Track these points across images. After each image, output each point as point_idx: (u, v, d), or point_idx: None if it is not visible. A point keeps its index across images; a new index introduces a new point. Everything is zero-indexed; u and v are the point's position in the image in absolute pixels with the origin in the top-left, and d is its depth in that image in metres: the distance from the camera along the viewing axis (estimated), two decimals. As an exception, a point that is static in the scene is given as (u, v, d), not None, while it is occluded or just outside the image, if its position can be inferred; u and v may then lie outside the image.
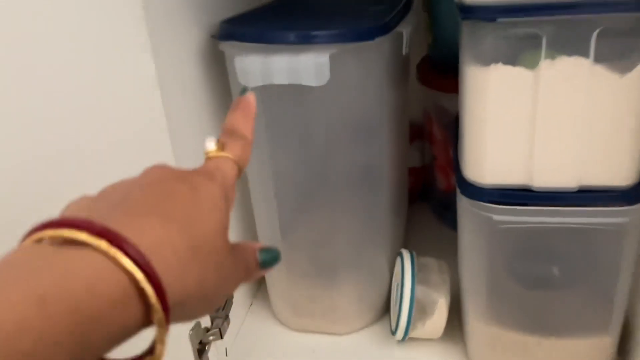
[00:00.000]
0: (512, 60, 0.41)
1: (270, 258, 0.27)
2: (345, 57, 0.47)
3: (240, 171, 0.27)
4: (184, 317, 0.22)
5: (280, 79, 0.47)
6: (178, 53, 0.48)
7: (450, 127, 0.70)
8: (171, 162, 0.44)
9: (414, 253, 0.58)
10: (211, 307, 0.23)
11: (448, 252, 0.59)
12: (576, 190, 0.43)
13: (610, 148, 0.42)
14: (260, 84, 0.48)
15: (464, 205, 0.47)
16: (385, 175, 0.58)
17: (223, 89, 0.55)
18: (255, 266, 0.26)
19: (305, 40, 0.46)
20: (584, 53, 0.39)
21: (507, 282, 0.49)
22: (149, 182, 0.23)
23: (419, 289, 0.55)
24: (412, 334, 0.56)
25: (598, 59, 0.39)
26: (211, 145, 0.27)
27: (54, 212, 0.22)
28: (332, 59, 0.46)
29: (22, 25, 0.33)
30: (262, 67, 0.47)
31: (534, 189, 0.44)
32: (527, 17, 0.39)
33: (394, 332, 0.56)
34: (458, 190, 0.48)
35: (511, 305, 0.50)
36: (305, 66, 0.46)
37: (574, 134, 0.42)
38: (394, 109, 0.57)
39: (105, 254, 0.18)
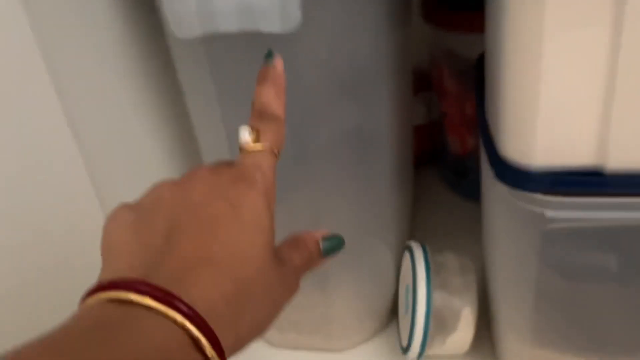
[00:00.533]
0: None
1: (334, 245, 0.28)
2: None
3: (277, 157, 0.26)
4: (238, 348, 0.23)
5: (228, 24, 0.32)
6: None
7: (468, 78, 0.55)
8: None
9: (427, 248, 0.45)
10: (264, 331, 0.24)
11: (466, 232, 0.49)
12: (670, 172, 0.29)
13: None
14: (199, 34, 0.33)
15: (501, 195, 0.34)
16: (384, 141, 0.44)
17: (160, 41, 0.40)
18: (318, 256, 0.27)
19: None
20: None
21: (556, 294, 0.36)
22: (192, 207, 0.23)
23: (437, 296, 0.42)
24: (429, 351, 0.43)
25: None
26: (246, 135, 0.26)
27: None
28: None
29: None
30: (200, 10, 0.32)
31: (608, 172, 0.30)
32: None
33: (404, 350, 0.44)
34: (492, 173, 0.34)
35: (561, 324, 0.37)
36: (263, 5, 0.31)
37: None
38: (392, 56, 0.42)
39: (173, 320, 0.19)
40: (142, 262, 0.21)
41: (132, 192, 0.26)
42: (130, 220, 0.23)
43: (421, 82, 0.64)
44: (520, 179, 0.32)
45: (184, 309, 0.20)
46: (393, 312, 0.49)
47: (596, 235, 0.32)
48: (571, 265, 0.34)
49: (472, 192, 0.53)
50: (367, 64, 0.39)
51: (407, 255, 0.46)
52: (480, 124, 0.38)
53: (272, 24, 0.32)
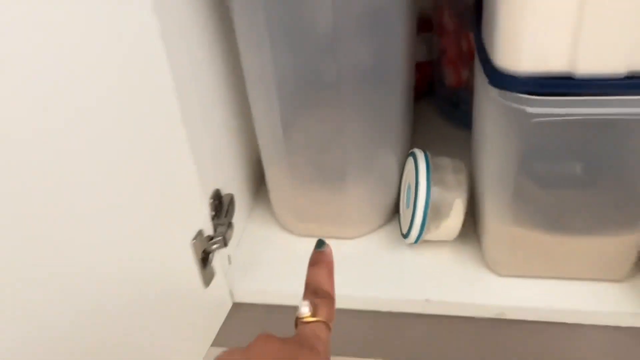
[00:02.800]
0: None
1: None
2: None
3: (331, 331, 0.29)
4: None
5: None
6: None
7: (464, 18, 0.64)
8: (158, 53, 0.38)
9: (428, 153, 0.54)
10: None
11: (458, 152, 0.55)
12: (624, 77, 0.38)
13: (668, 27, 0.36)
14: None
15: (491, 97, 0.43)
16: (396, 69, 0.52)
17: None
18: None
19: None
20: None
21: (532, 181, 0.45)
22: None
23: (434, 190, 0.51)
24: (425, 236, 0.53)
25: None
26: (306, 309, 0.29)
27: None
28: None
29: None
30: None
31: (577, 77, 0.39)
32: None
33: (405, 235, 0.53)
34: (484, 81, 0.43)
35: (535, 206, 0.47)
36: None
37: (628, 10, 0.36)
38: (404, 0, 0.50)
39: None
40: None
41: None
42: None
43: (423, 24, 0.72)
44: (509, 82, 0.41)
45: None
46: (394, 211, 0.58)
47: (567, 128, 0.41)
48: (545, 158, 0.44)
49: (463, 121, 0.62)
50: (384, 5, 0.47)
51: (410, 159, 0.55)
52: (477, 45, 0.46)
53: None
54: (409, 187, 0.54)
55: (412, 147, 0.57)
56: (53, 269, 0.32)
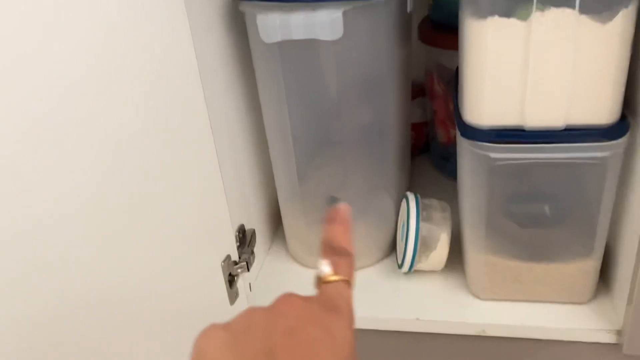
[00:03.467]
0: (506, 12, 0.46)
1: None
2: (357, 13, 0.52)
3: (353, 289, 0.29)
4: None
5: (298, 34, 0.52)
6: (207, 16, 0.53)
7: (451, 82, 0.76)
8: (203, 111, 0.50)
9: (418, 195, 0.64)
10: None
11: (448, 198, 0.65)
12: (563, 128, 0.49)
13: (594, 90, 0.47)
14: (279, 39, 0.53)
15: (465, 147, 0.53)
16: (392, 129, 0.63)
17: (243, 45, 0.60)
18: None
19: (320, -2, 0.51)
20: (571, 4, 0.44)
21: (502, 216, 0.55)
22: (288, 330, 0.24)
23: (423, 226, 0.61)
24: (417, 266, 0.62)
25: (583, 10, 0.44)
26: (327, 269, 0.29)
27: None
28: (345, 15, 0.51)
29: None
30: (281, 23, 0.52)
31: (526, 129, 0.50)
32: (520, -27, 0.44)
33: (400, 266, 0.63)
34: (459, 134, 0.54)
35: (506, 237, 0.56)
36: (320, 21, 0.51)
37: (562, 78, 0.47)
38: (400, 65, 0.62)
39: None
40: None
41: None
42: (226, 341, 0.23)
43: (418, 90, 0.85)
44: (475, 133, 0.51)
45: None
46: (393, 244, 0.68)
47: (523, 170, 0.51)
48: (509, 196, 0.54)
49: (453, 173, 0.72)
50: (383, 70, 0.59)
51: (404, 201, 0.65)
52: (455, 106, 0.57)
53: (325, 34, 0.52)
54: (403, 224, 0.64)
55: (408, 189, 0.67)
56: (107, 285, 0.42)
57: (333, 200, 0.34)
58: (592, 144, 0.49)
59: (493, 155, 0.51)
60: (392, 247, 0.68)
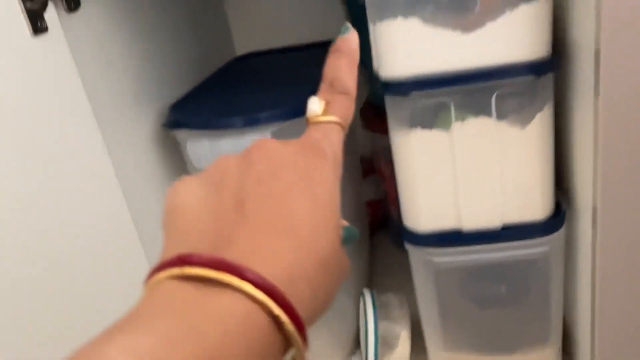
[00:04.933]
0: (429, 124, 0.47)
1: (351, 235, 0.26)
2: (288, 131, 0.52)
3: (345, 133, 0.25)
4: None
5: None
6: (132, 143, 0.53)
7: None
8: (137, 247, 0.49)
9: (374, 292, 0.63)
10: (324, 313, 0.22)
11: (410, 277, 0.64)
12: (500, 228, 0.49)
13: (524, 189, 0.48)
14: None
15: (410, 250, 0.53)
16: (345, 212, 0.63)
17: (181, 169, 0.60)
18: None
19: (248, 124, 0.51)
20: (488, 113, 0.45)
21: (456, 312, 0.55)
22: (260, 177, 0.21)
23: (382, 325, 0.60)
24: (381, 365, 0.61)
25: (500, 117, 0.45)
26: (315, 106, 0.25)
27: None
28: (275, 135, 0.51)
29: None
30: (212, 150, 0.52)
31: (464, 231, 0.50)
32: (434, 89, 0.45)
33: (365, 366, 0.61)
34: (402, 237, 0.53)
35: (463, 331, 0.56)
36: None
37: (491, 181, 0.48)
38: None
39: (253, 299, 0.18)
40: (212, 236, 0.20)
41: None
42: (197, 192, 0.21)
43: (370, 167, 0.85)
44: (416, 239, 0.51)
45: (279, 299, 0.18)
46: (358, 342, 0.67)
47: (468, 270, 0.51)
48: (459, 293, 0.53)
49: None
50: None
51: (361, 300, 0.64)
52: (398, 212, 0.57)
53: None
54: (363, 324, 0.63)
55: (370, 279, 0.66)
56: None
57: (345, 29, 0.27)
58: (530, 240, 0.49)
59: (437, 259, 0.51)
60: (358, 344, 0.67)
